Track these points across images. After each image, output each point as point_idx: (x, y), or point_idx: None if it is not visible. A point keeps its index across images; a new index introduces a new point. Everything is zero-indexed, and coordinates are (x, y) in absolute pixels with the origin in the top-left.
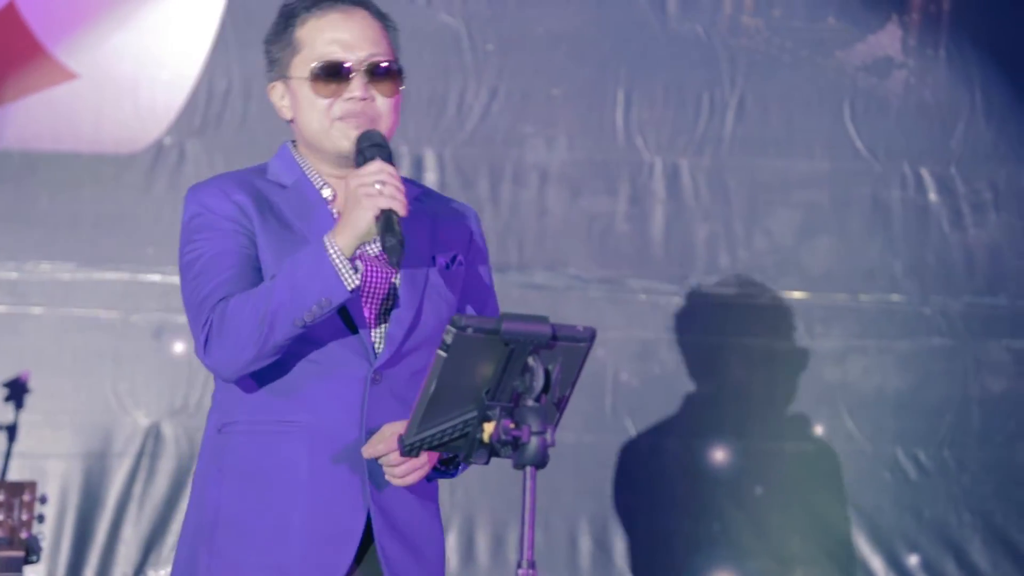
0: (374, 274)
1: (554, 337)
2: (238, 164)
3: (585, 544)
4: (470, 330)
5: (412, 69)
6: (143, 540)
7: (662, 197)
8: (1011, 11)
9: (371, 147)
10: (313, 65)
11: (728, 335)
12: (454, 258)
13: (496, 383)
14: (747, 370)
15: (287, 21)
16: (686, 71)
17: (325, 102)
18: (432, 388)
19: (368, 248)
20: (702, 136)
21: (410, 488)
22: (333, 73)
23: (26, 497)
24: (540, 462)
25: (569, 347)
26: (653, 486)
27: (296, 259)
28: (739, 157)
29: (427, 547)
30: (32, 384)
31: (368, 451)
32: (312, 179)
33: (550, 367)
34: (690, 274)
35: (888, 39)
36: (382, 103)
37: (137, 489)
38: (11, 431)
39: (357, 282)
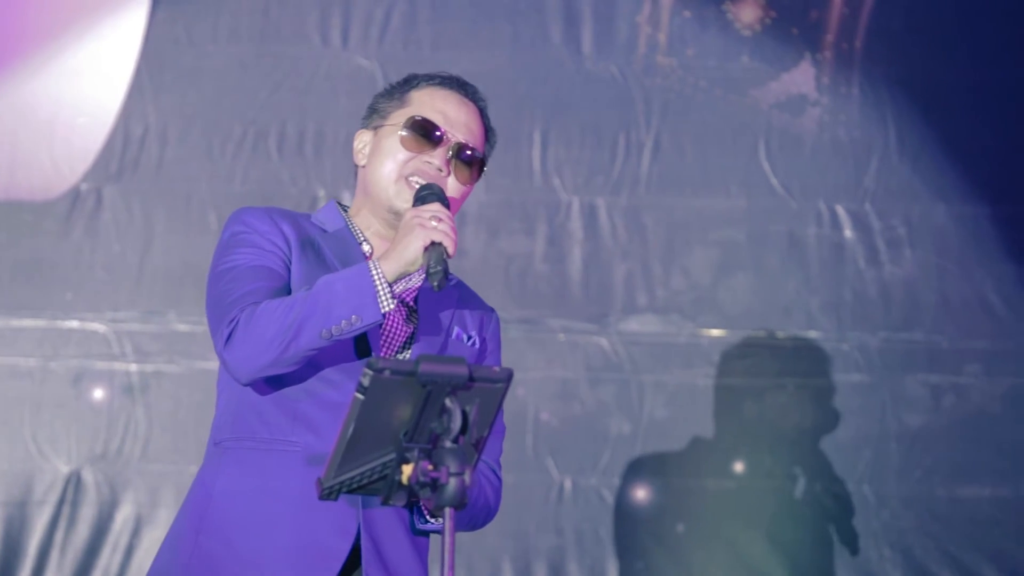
0: (395, 322)
1: (471, 379)
2: (156, 209)
3: None
4: (387, 372)
5: (328, 112)
6: None
7: (580, 237)
8: (923, 48)
9: (430, 194)
10: (415, 117)
11: (647, 373)
12: (471, 336)
13: (414, 425)
14: (667, 408)
15: (408, 83)
16: (602, 111)
17: (405, 155)
18: (350, 431)
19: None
20: (619, 176)
21: (404, 528)
22: (426, 133)
23: None
24: (459, 503)
25: (486, 388)
26: (575, 525)
27: (337, 273)
28: (656, 196)
29: None
30: None
31: None
32: (355, 233)
33: (467, 408)
34: (609, 313)
35: (802, 77)
36: (453, 185)
37: (58, 536)
38: None
39: (391, 306)
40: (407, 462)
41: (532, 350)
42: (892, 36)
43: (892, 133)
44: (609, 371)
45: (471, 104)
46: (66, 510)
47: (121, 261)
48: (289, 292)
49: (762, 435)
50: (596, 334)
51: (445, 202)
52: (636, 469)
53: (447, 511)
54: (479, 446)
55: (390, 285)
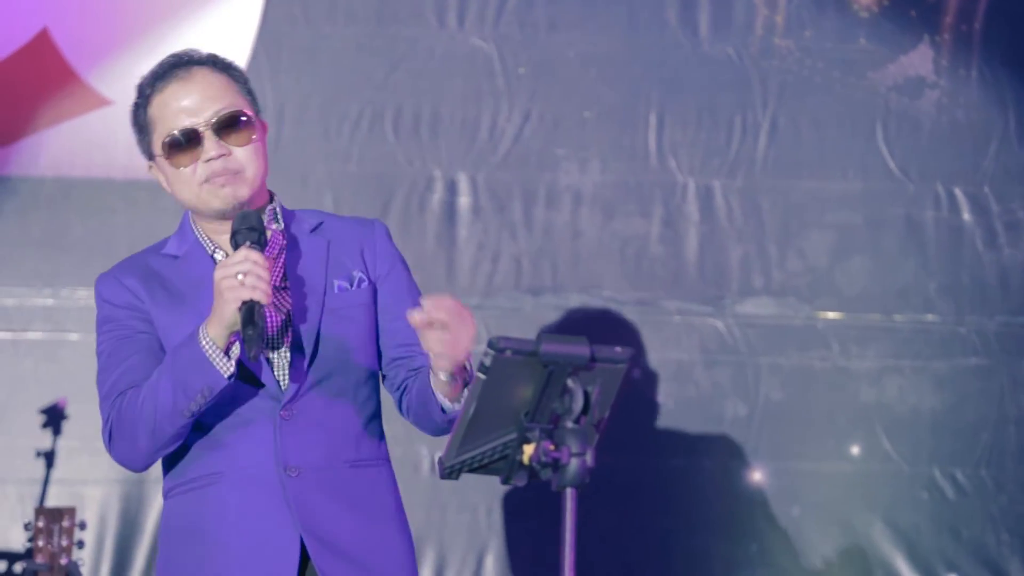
0: (267, 313)
1: (593, 359)
2: (272, 188)
3: (623, 566)
4: (508, 352)
5: (445, 93)
6: None
7: (695, 219)
8: None
9: (244, 230)
10: (164, 140)
11: (763, 356)
12: (354, 278)
13: (535, 405)
14: (783, 391)
15: (138, 104)
16: (718, 93)
17: (187, 170)
18: (471, 410)
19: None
20: (735, 158)
21: (356, 507)
22: (183, 142)
23: (65, 523)
24: (580, 483)
25: (608, 368)
26: (690, 507)
27: (174, 352)
28: (772, 178)
29: (381, 560)
30: (69, 410)
31: (414, 318)
32: (205, 245)
33: (589, 389)
34: (725, 295)
35: (920, 59)
36: (241, 153)
37: None
38: (49, 457)
39: (232, 369)
40: (528, 442)
41: (647, 332)
42: (1012, 18)
43: (1011, 116)
44: (725, 353)
45: (194, 71)
46: None
47: None
48: (161, 345)
49: (878, 418)
50: (712, 316)
51: (256, 234)
52: (751, 451)
53: (567, 492)
54: (600, 427)
55: (224, 349)
